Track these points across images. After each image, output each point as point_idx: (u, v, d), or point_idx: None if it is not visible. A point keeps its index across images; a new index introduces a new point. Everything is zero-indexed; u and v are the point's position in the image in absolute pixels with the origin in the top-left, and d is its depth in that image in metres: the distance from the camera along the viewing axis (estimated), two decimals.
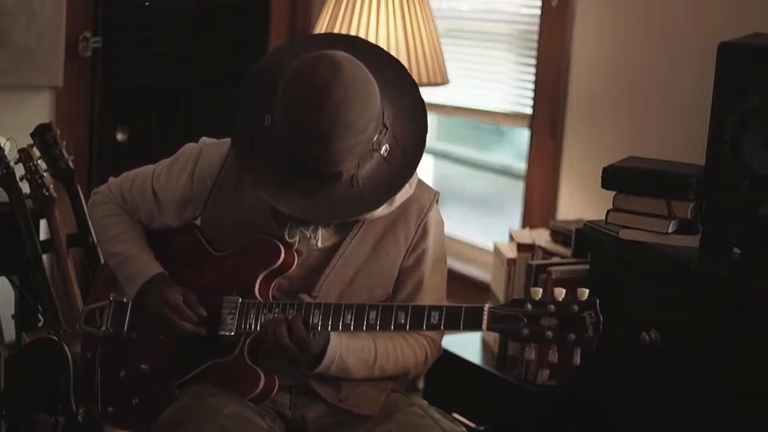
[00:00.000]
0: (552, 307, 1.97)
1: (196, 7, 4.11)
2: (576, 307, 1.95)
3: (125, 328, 2.28)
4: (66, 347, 2.73)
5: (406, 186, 2.18)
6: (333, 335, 2.11)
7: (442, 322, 2.03)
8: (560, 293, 1.98)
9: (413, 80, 2.17)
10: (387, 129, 2.07)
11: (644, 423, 2.41)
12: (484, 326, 2.01)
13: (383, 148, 2.07)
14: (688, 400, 2.29)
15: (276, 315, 2.09)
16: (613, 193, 2.47)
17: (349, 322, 2.06)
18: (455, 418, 2.35)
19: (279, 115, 2.04)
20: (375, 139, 2.05)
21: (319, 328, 2.07)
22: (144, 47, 4.02)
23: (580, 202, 3.16)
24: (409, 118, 2.12)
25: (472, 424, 2.81)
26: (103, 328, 2.30)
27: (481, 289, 3.34)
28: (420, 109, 2.14)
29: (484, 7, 3.67)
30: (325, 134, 1.97)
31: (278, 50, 2.21)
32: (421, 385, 3.21)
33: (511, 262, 2.90)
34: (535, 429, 2.77)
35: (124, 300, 2.29)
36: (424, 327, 2.05)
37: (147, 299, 2.23)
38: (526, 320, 1.97)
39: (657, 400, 2.36)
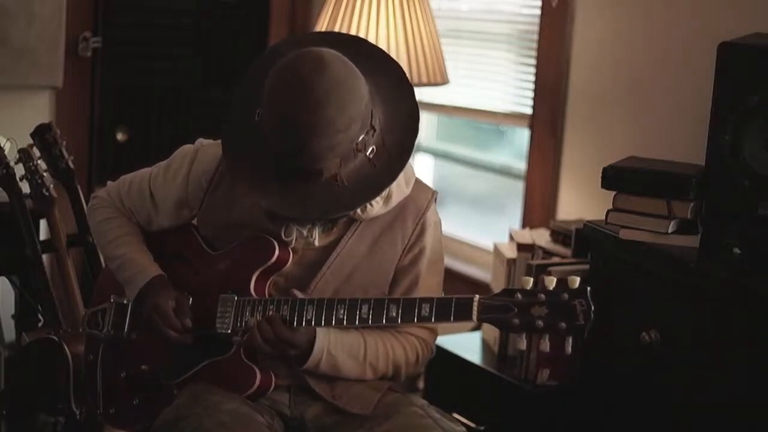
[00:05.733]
0: (542, 296, 1.94)
1: (196, 7, 4.11)
2: (566, 296, 1.93)
3: (125, 330, 2.29)
4: (66, 347, 2.73)
5: (402, 185, 2.17)
6: (319, 330, 2.11)
7: (433, 314, 2.02)
8: (551, 282, 1.95)
9: (411, 86, 2.14)
10: (375, 131, 2.05)
11: (644, 423, 2.41)
12: (474, 317, 1.99)
13: (369, 149, 2.04)
14: (688, 399, 2.29)
15: (271, 312, 2.09)
16: (613, 193, 2.47)
17: (341, 316, 2.06)
18: (455, 417, 2.34)
19: (263, 110, 2.03)
20: (360, 139, 2.02)
21: (313, 323, 2.07)
22: (144, 47, 4.03)
23: (580, 202, 3.16)
24: (400, 122, 2.09)
25: (472, 424, 2.81)
26: (105, 329, 2.31)
27: (481, 289, 3.34)
28: (413, 115, 2.11)
29: (484, 7, 3.67)
30: (304, 132, 1.95)
31: (278, 45, 2.19)
32: (420, 385, 3.21)
33: (511, 262, 2.90)
34: (535, 429, 2.77)
35: (125, 302, 2.30)
36: (416, 319, 2.03)
37: (145, 302, 2.23)
38: (516, 310, 1.95)
39: (657, 400, 2.36)
